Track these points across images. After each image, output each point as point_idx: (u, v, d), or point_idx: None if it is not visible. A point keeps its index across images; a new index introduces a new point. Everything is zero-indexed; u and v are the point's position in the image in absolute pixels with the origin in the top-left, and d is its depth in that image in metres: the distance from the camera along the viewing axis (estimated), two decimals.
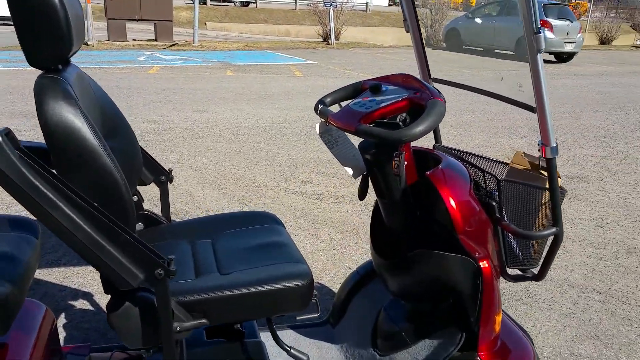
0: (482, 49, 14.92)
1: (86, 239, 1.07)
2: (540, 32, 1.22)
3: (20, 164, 1.03)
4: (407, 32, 1.80)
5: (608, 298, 2.60)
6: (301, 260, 1.42)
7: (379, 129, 1.29)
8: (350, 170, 1.58)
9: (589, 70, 13.09)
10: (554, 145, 1.33)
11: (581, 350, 2.18)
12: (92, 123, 1.15)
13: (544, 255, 1.52)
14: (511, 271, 1.55)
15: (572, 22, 13.93)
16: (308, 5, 25.28)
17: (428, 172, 1.40)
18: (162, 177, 1.71)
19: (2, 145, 1.02)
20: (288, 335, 1.91)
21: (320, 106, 1.51)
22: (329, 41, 15.37)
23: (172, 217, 3.15)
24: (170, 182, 1.74)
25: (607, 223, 3.58)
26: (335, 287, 2.50)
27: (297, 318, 1.59)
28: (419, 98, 1.33)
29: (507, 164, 1.69)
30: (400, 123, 1.33)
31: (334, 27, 15.27)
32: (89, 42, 11.42)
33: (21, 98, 6.18)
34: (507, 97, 1.52)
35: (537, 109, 1.31)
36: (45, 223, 1.06)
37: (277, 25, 31.32)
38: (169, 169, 1.73)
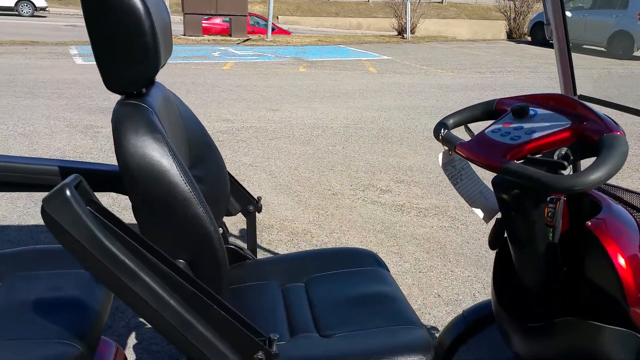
0: (570, 45, 13.88)
1: (173, 317, 0.88)
2: None
3: (92, 225, 0.85)
4: (549, 39, 1.50)
5: None
6: (417, 323, 1.18)
7: (536, 170, 0.97)
8: (480, 213, 1.29)
9: None
10: None
11: None
12: (182, 163, 0.96)
13: None
14: None
15: None
16: None
17: (589, 222, 1.10)
18: (250, 206, 1.54)
19: (70, 201, 0.84)
20: None
21: (443, 130, 1.24)
22: (404, 35, 14.91)
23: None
24: (259, 212, 1.57)
25: None
26: (423, 318, 2.26)
27: None
28: (589, 129, 1.03)
29: None
30: (564, 162, 1.04)
31: (410, 20, 14.79)
32: None
33: (99, 93, 6.35)
34: None
35: None
36: (123, 297, 0.88)
37: (349, 19, 31.07)
38: (257, 197, 1.56)
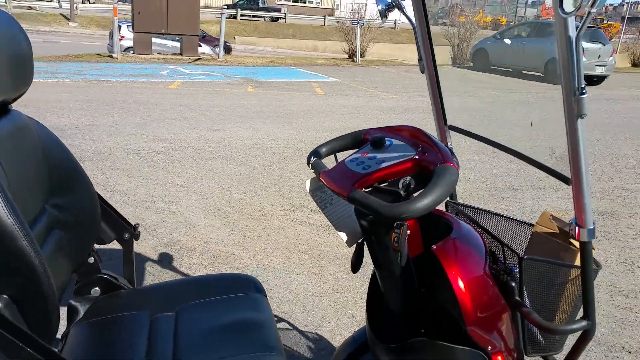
0: (510, 69, 14.58)
1: None
2: (584, 94, 0.98)
3: None
4: (422, 72, 1.59)
5: (639, 358, 2.33)
6: (275, 348, 1.21)
7: (376, 199, 1.04)
8: (344, 236, 1.34)
9: (621, 94, 12.63)
10: (592, 227, 1.10)
11: None
12: (6, 195, 0.94)
13: (568, 341, 1.28)
14: (531, 358, 1.33)
15: (604, 45, 13.52)
16: (337, 21, 25.31)
17: (435, 246, 1.17)
18: (125, 234, 1.51)
19: None
20: None
21: (313, 158, 1.30)
22: (354, 58, 15.25)
23: (167, 250, 3.01)
24: (136, 239, 1.54)
25: (638, 267, 3.28)
26: (334, 340, 2.29)
27: None
28: (426, 160, 1.11)
29: (531, 225, 1.46)
30: (402, 190, 1.11)
31: (360, 44, 15.15)
32: (113, 55, 11.55)
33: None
34: (537, 161, 1.29)
35: (572, 181, 1.08)
36: None
37: (305, 41, 31.48)
38: (134, 224, 1.53)
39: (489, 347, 1.16)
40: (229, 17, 29.65)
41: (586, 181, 1.05)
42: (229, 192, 4.04)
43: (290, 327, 2.37)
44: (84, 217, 1.29)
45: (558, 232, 1.37)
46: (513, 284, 1.18)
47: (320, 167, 1.25)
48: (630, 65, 23.20)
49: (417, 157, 1.11)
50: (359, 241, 1.34)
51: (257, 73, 11.54)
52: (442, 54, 18.84)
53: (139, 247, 2.91)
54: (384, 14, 1.45)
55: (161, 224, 3.35)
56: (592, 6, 0.85)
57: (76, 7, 28.71)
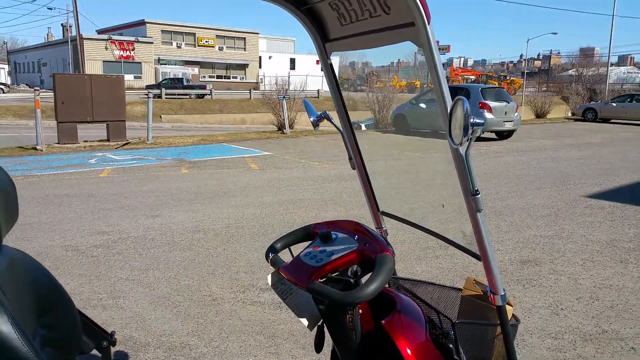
0: (428, 131, 15.66)
1: None
2: (478, 194, 1.25)
3: None
4: (353, 169, 1.86)
5: None
6: None
7: (331, 289, 1.26)
8: (305, 322, 1.53)
9: (529, 145, 13.90)
10: (503, 293, 1.35)
11: None
12: (19, 325, 1.08)
13: None
14: None
15: (508, 102, 14.96)
16: (262, 94, 26.17)
17: (383, 321, 1.38)
18: (103, 342, 1.62)
19: None
20: None
21: (271, 255, 1.50)
22: (284, 130, 15.79)
23: (121, 348, 3.00)
24: (113, 346, 1.65)
25: (562, 309, 3.64)
26: None
27: None
28: (368, 250, 1.35)
29: (460, 289, 1.71)
30: (351, 278, 1.33)
31: (288, 117, 15.77)
32: (37, 147, 11.28)
33: None
34: (453, 241, 1.56)
35: (482, 257, 1.35)
36: None
37: (233, 115, 32.13)
38: (111, 332, 1.65)
39: None
40: (154, 97, 29.81)
41: (492, 257, 1.32)
42: (176, 280, 4.07)
43: None
44: (67, 333, 1.39)
45: (482, 294, 1.63)
46: (450, 346, 1.41)
47: (278, 262, 1.45)
48: (534, 116, 25.61)
49: (359, 248, 1.35)
50: (319, 323, 1.52)
51: (189, 153, 11.67)
52: (364, 117, 19.94)
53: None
54: (315, 124, 1.74)
55: (111, 321, 3.33)
56: (472, 134, 1.14)
57: None
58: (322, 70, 1.76)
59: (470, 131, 1.11)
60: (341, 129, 1.80)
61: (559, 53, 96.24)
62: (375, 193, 1.88)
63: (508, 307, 1.58)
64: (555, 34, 52.87)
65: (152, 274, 4.19)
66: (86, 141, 12.50)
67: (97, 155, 10.92)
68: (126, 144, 12.58)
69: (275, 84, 18.98)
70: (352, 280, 1.32)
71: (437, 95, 1.20)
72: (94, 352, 1.61)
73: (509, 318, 1.57)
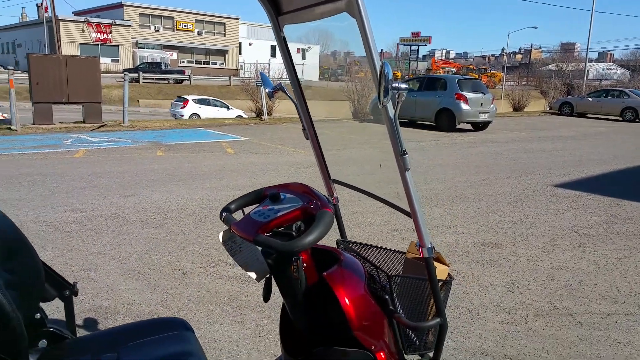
0: (406, 120, 15.86)
1: None
2: (405, 154, 1.38)
3: None
4: (307, 139, 1.97)
5: None
6: None
7: (274, 239, 1.38)
8: (253, 275, 1.65)
9: (503, 137, 14.20)
10: (429, 246, 1.48)
11: None
12: None
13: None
14: (410, 357, 1.67)
15: (484, 94, 15.20)
16: (241, 82, 26.06)
17: (325, 273, 1.51)
18: (66, 291, 1.71)
19: None
20: None
21: (224, 214, 1.61)
22: (262, 117, 15.81)
23: (92, 315, 3.09)
24: (76, 296, 1.74)
25: (517, 288, 3.83)
26: None
27: None
28: (311, 208, 1.47)
29: (404, 253, 1.85)
30: (294, 232, 1.44)
31: (266, 103, 15.78)
32: (12, 127, 11.13)
33: None
34: (389, 202, 1.68)
35: (412, 214, 1.47)
36: None
37: None
38: (73, 282, 1.74)
39: (372, 347, 1.50)
40: (131, 81, 29.43)
41: (420, 213, 1.44)
42: (147, 255, 4.15)
43: None
44: (30, 278, 1.47)
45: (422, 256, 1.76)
46: (386, 297, 1.54)
47: (231, 220, 1.56)
48: (512, 109, 26.04)
49: (303, 206, 1.47)
50: (267, 276, 1.65)
51: (166, 136, 11.64)
52: (344, 108, 20.09)
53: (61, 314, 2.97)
54: (271, 95, 1.85)
55: (82, 291, 3.39)
56: (398, 98, 1.27)
57: None
58: (276, 43, 1.86)
59: (390, 93, 1.23)
60: (295, 101, 1.90)
61: (540, 47, 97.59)
62: (328, 163, 2.00)
63: (443, 266, 1.72)
64: (536, 27, 53.75)
65: (123, 249, 4.25)
66: (62, 122, 12.36)
67: (72, 137, 10.82)
68: (102, 126, 12.48)
69: (255, 71, 18.95)
70: (295, 234, 1.44)
71: (369, 63, 1.31)
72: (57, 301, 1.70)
73: (445, 277, 1.72)
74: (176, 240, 4.54)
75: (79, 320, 2.97)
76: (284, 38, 1.81)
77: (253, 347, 2.82)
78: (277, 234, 1.44)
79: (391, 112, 1.32)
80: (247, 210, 1.64)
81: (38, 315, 1.59)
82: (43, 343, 1.60)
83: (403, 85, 1.24)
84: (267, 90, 1.85)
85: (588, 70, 36.49)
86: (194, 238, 4.62)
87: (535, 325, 3.22)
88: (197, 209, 5.61)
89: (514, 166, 9.27)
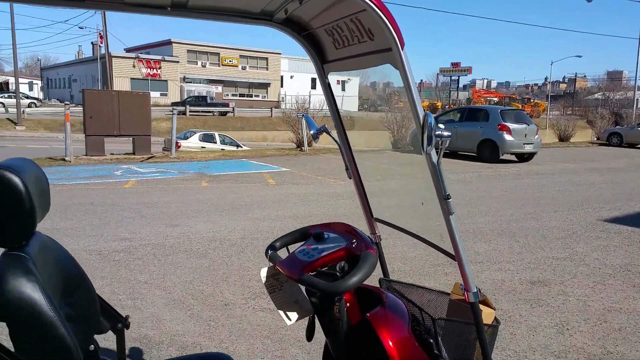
0: (447, 151, 15.70)
1: None
2: (449, 199, 1.40)
3: None
4: (350, 178, 2.01)
5: None
6: None
7: (318, 280, 1.41)
8: (283, 315, 1.66)
9: (549, 168, 13.82)
10: (475, 290, 1.47)
11: None
12: (49, 296, 1.25)
13: None
14: None
15: (528, 125, 14.92)
16: (282, 113, 26.58)
17: (368, 314, 1.51)
18: (118, 324, 1.78)
19: None
20: None
21: (270, 252, 1.65)
22: (302, 148, 16.03)
23: (137, 344, 3.16)
24: (127, 329, 1.81)
25: (567, 329, 3.67)
26: None
27: None
28: (354, 248, 1.49)
29: (448, 294, 1.82)
30: (339, 272, 1.47)
31: (307, 135, 16.02)
32: (66, 158, 11.70)
33: None
34: (433, 243, 1.68)
35: (456, 258, 1.47)
36: None
37: (254, 132, 32.64)
38: (125, 316, 1.81)
39: None
40: (179, 114, 30.57)
41: (464, 257, 1.44)
42: (191, 285, 4.23)
43: None
44: (87, 311, 1.55)
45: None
46: (431, 341, 1.52)
47: (276, 258, 1.60)
48: (558, 140, 25.38)
49: (347, 246, 1.49)
50: (311, 316, 1.66)
51: (210, 167, 11.95)
52: (384, 138, 20.10)
53: (110, 344, 3.05)
54: (315, 137, 1.91)
55: None
56: (441, 144, 1.30)
57: (23, 110, 28.82)
58: (321, 88, 1.93)
59: (434, 141, 1.26)
60: (339, 141, 1.95)
61: (584, 76, 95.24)
62: (370, 202, 2.02)
63: (489, 310, 1.69)
64: (580, 56, 52.59)
65: (169, 279, 4.36)
66: (112, 154, 12.91)
67: (122, 167, 11.27)
68: (151, 157, 12.94)
69: (296, 103, 19.32)
70: (338, 274, 1.46)
71: (412, 112, 1.35)
72: (110, 333, 1.77)
73: (491, 321, 1.68)
74: (219, 271, 4.61)
75: (126, 350, 3.05)
76: (329, 84, 1.88)
77: None
78: (322, 274, 1.47)
79: (434, 158, 1.34)
80: (291, 248, 1.67)
81: (92, 347, 1.66)
82: None
83: (446, 133, 1.27)
84: (311, 132, 1.91)
85: (638, 99, 35.28)
86: (235, 269, 4.69)
87: None
88: (239, 239, 5.70)
89: (562, 199, 8.99)
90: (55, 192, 8.27)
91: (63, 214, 6.61)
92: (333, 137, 1.92)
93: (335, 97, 2.02)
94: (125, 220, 6.43)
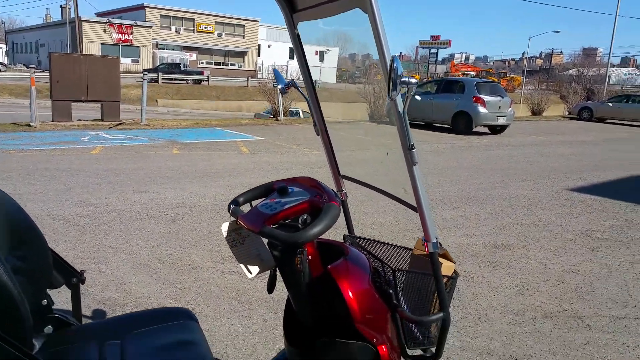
0: (422, 123, 15.78)
1: None
2: (413, 149, 1.39)
3: None
4: (318, 135, 1.99)
5: None
6: (206, 358, 1.47)
7: (279, 231, 1.40)
8: (244, 269, 1.65)
9: (520, 140, 14.05)
10: (434, 241, 1.48)
11: None
12: None
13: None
14: (413, 352, 1.67)
15: (503, 97, 15.05)
16: (259, 83, 26.20)
17: (329, 266, 1.51)
18: (73, 279, 1.75)
19: None
20: None
21: (232, 206, 1.63)
22: (278, 117, 15.88)
23: (101, 306, 3.14)
24: (82, 284, 1.78)
25: (527, 290, 3.79)
26: None
27: None
28: (317, 201, 1.47)
29: (411, 249, 1.84)
30: (300, 224, 1.45)
31: (282, 104, 15.85)
32: (31, 124, 11.35)
33: None
34: (396, 196, 1.69)
35: (417, 208, 1.47)
36: None
37: (229, 102, 32.14)
38: (81, 271, 1.78)
39: (374, 339, 1.50)
40: (150, 81, 29.83)
41: (426, 208, 1.44)
42: (158, 250, 4.20)
43: None
44: (39, 265, 1.52)
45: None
46: (390, 292, 1.54)
47: (238, 213, 1.57)
48: (531, 113, 25.73)
49: (310, 199, 1.47)
50: (272, 269, 1.66)
51: (182, 135, 11.75)
52: (361, 110, 20.07)
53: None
54: (283, 92, 1.87)
55: (92, 283, 3.46)
56: (408, 92, 1.27)
57: None
58: (290, 41, 1.88)
59: (399, 87, 1.23)
60: (307, 97, 1.92)
61: (561, 52, 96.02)
62: (339, 162, 2.01)
63: (449, 263, 1.71)
64: (558, 32, 52.92)
65: (135, 243, 4.31)
66: (80, 120, 12.55)
67: (90, 134, 10.99)
68: (120, 124, 12.65)
69: (272, 72, 19.03)
70: (300, 226, 1.44)
71: (380, 58, 1.32)
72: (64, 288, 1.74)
73: (450, 273, 1.71)
74: (187, 236, 4.59)
75: (87, 311, 3.03)
76: (298, 35, 1.83)
77: (259, 342, 2.84)
78: (283, 226, 1.45)
79: (400, 106, 1.32)
80: (255, 203, 1.66)
81: (45, 302, 1.63)
82: (49, 329, 1.64)
83: (412, 80, 1.25)
84: (279, 87, 1.87)
85: (610, 76, 35.89)
86: (205, 234, 4.67)
87: (543, 327, 3.19)
88: (209, 205, 5.66)
89: (530, 169, 9.17)
90: (19, 157, 8.04)
91: (26, 179, 6.44)
92: (301, 92, 1.88)
93: (313, 67, 1.96)
94: (91, 186, 6.31)
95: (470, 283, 3.85)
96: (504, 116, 14.96)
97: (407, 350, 1.65)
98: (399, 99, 1.31)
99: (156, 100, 29.25)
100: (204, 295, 3.41)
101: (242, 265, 1.63)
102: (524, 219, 5.78)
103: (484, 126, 15.07)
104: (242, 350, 2.74)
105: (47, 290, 1.66)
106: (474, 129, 14.73)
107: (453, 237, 4.97)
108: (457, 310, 3.37)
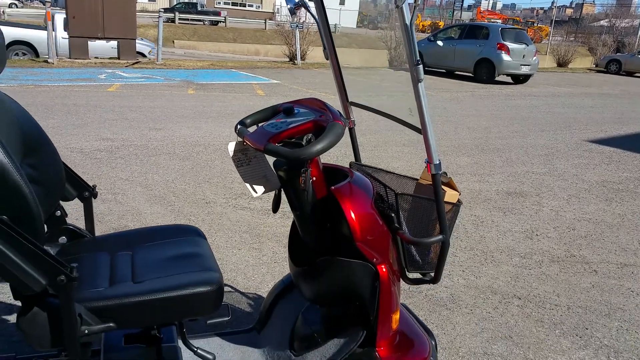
0: (444, 70, 15.41)
1: None
2: (419, 64, 1.36)
3: None
4: (327, 59, 1.96)
5: (526, 303, 2.79)
6: (213, 268, 1.53)
7: (283, 148, 1.41)
8: (249, 188, 1.68)
9: (543, 91, 13.68)
10: (437, 162, 1.48)
11: (494, 349, 2.35)
12: (12, 155, 1.23)
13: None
14: (413, 275, 1.71)
15: (527, 45, 14.54)
16: (277, 25, 25.62)
17: (333, 187, 1.54)
18: (85, 192, 1.79)
19: None
20: (215, 342, 2.01)
21: (239, 126, 1.64)
22: (295, 61, 15.62)
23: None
24: (95, 198, 1.82)
25: (536, 235, 3.80)
26: None
27: (208, 322, 1.68)
28: (322, 120, 1.47)
29: (416, 179, 1.85)
30: (305, 143, 1.46)
31: (300, 47, 15.54)
32: (49, 60, 11.34)
33: None
34: (400, 119, 1.68)
35: (422, 129, 1.46)
36: None
37: (247, 45, 31.58)
38: (93, 185, 1.82)
39: (374, 259, 1.54)
40: (167, 21, 29.31)
41: (430, 129, 1.43)
42: (173, 184, 4.28)
43: (232, 290, 2.68)
44: (51, 175, 1.55)
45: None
46: (392, 215, 1.56)
47: (244, 133, 1.58)
48: (556, 65, 24.90)
49: (315, 119, 1.47)
50: (277, 191, 1.69)
51: (198, 76, 11.68)
52: (381, 57, 19.61)
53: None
54: (292, 12, 1.82)
55: (109, 212, 3.56)
56: (415, 1, 1.24)
57: (3, 11, 27.56)
58: None
59: None
60: (317, 18, 1.87)
61: (593, 2, 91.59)
62: (346, 85, 1.99)
63: (453, 191, 1.72)
64: None
65: (150, 177, 4.39)
66: (97, 57, 12.51)
67: (106, 72, 10.97)
68: (136, 62, 12.58)
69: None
70: (304, 144, 1.45)
71: None
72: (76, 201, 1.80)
73: (454, 201, 1.72)
74: (201, 173, 4.65)
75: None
76: None
77: (267, 272, 2.92)
78: (288, 144, 1.46)
79: (407, 17, 1.29)
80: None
81: (58, 213, 1.69)
82: (63, 239, 1.71)
83: None
84: (288, 7, 1.82)
85: None
86: (218, 172, 4.73)
87: (549, 270, 3.23)
88: (223, 144, 5.70)
89: (550, 120, 8.98)
90: (37, 92, 8.10)
91: (45, 114, 6.51)
92: (311, 12, 1.84)
93: (330, 9, 1.90)
94: (108, 121, 6.36)
95: (480, 227, 3.88)
96: (528, 65, 14.52)
97: (407, 273, 1.69)
98: (405, 7, 1.28)
99: (173, 42, 28.90)
100: (216, 227, 3.49)
101: (247, 185, 1.66)
102: (539, 167, 5.72)
103: (507, 75, 14.67)
104: (251, 279, 2.83)
105: (61, 202, 1.71)
106: (497, 78, 14.36)
107: (466, 182, 4.96)
108: (463, 251, 3.42)
